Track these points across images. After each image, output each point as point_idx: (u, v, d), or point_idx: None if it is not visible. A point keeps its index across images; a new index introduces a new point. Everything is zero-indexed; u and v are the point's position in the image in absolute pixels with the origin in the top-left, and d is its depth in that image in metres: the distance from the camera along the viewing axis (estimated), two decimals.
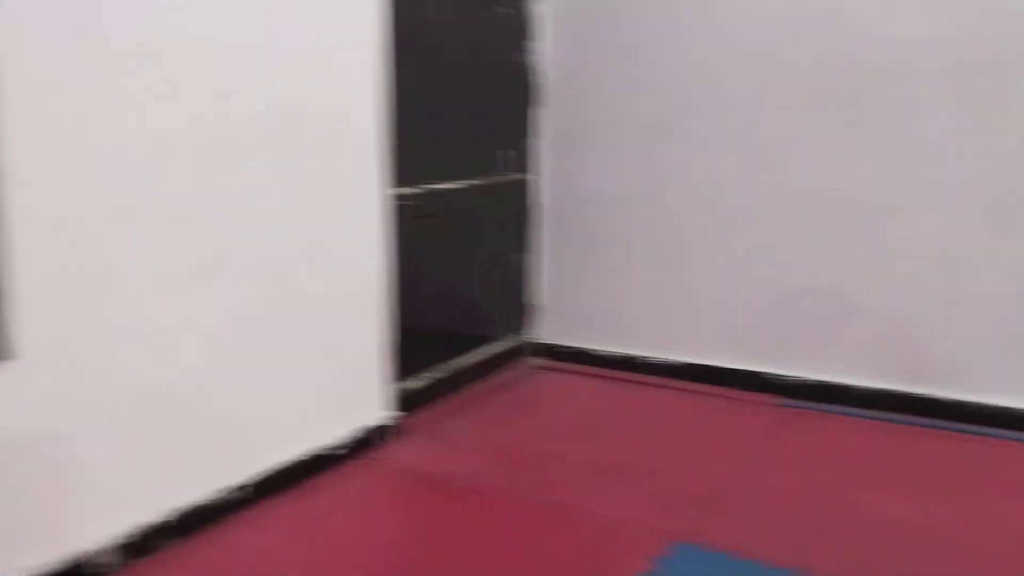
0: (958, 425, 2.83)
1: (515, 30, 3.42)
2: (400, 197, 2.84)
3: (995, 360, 2.78)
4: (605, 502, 2.34)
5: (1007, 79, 2.64)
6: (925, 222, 2.83)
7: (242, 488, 2.29)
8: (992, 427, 2.78)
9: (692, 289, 3.30)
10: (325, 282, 2.52)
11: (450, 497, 2.41)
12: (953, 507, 2.28)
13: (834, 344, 3.05)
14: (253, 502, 2.32)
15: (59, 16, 1.75)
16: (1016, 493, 2.37)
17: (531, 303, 3.66)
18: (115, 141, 1.89)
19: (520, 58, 3.45)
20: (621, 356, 3.49)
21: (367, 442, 2.71)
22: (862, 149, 2.90)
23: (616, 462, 2.61)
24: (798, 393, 3.12)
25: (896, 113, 2.82)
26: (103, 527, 1.97)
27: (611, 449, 2.72)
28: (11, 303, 1.72)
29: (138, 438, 2.02)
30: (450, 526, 2.23)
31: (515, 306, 3.62)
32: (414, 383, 3.02)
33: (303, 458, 2.48)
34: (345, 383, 2.64)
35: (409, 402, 2.96)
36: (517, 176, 3.53)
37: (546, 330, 3.68)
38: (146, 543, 2.05)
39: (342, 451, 2.61)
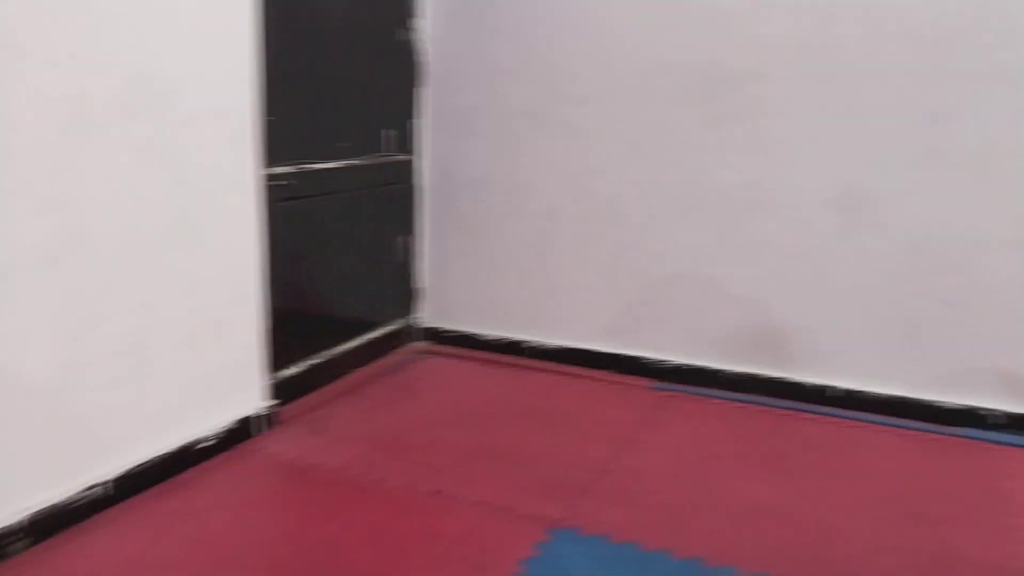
0: (817, 408, 3.01)
1: (398, 7, 3.34)
2: (276, 177, 2.73)
3: (848, 346, 2.97)
4: (486, 490, 2.35)
5: (858, 83, 2.80)
6: (789, 217, 2.98)
7: (103, 485, 2.16)
8: (845, 409, 2.98)
9: (571, 274, 3.35)
10: (195, 266, 2.39)
11: (329, 489, 2.35)
12: (811, 486, 2.43)
13: (705, 329, 3.18)
14: (117, 500, 2.19)
15: None
16: (865, 471, 2.55)
17: (415, 287, 3.62)
18: None
19: (403, 36, 3.37)
20: (504, 340, 3.51)
21: (242, 433, 2.61)
22: (729, 144, 3.01)
23: (497, 448, 2.63)
24: (672, 377, 3.23)
25: (760, 112, 2.95)
26: None
27: (493, 435, 2.74)
28: None
29: None
30: (329, 520, 2.18)
31: (398, 290, 3.57)
32: (292, 370, 2.93)
33: (172, 451, 2.36)
34: (219, 371, 2.53)
35: (287, 390, 2.87)
36: (401, 157, 3.47)
37: (429, 314, 3.66)
38: None
39: (215, 443, 2.50)
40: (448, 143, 3.49)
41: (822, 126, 2.87)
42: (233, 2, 2.43)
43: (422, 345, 3.64)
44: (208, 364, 2.48)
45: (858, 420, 2.92)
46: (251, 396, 2.67)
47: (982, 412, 2.82)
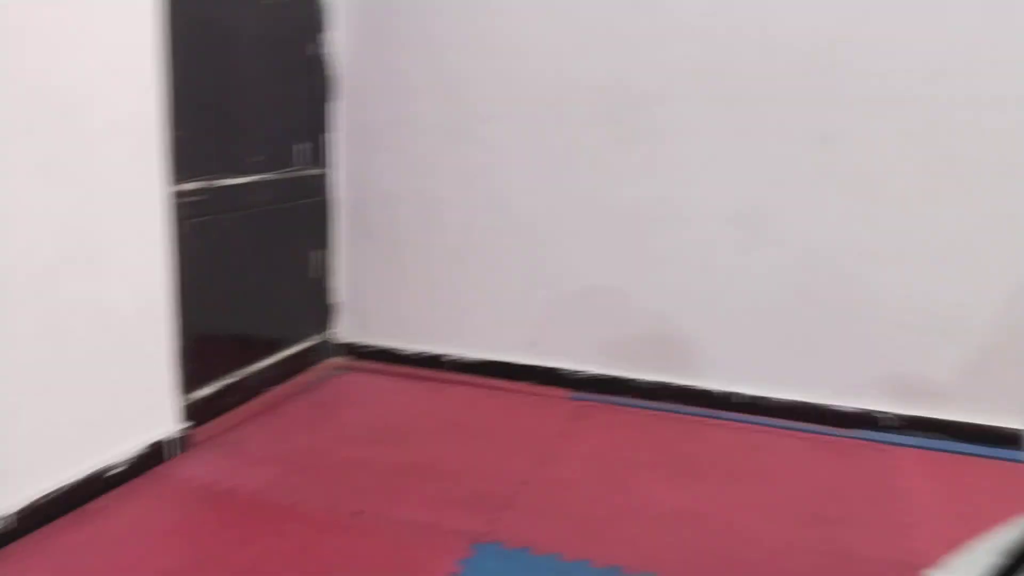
0: (724, 414, 3.15)
1: (308, 20, 3.31)
2: (185, 194, 2.66)
3: (750, 354, 3.12)
4: (409, 507, 2.36)
5: (755, 106, 2.95)
6: (692, 233, 3.10)
7: (4, 519, 2.06)
8: (750, 414, 3.12)
9: (488, 288, 3.40)
10: (100, 288, 2.31)
11: (247, 513, 2.31)
12: (721, 490, 2.55)
13: (617, 340, 3.27)
14: (21, 534, 2.10)
15: None
16: (771, 474, 2.68)
17: (331, 302, 3.59)
18: None
19: (314, 49, 3.35)
20: (423, 354, 3.52)
21: (155, 458, 2.54)
22: (635, 163, 3.12)
23: (419, 464, 2.64)
24: (588, 387, 3.32)
25: (664, 132, 3.07)
26: None
27: (414, 451, 2.75)
28: None
29: None
30: (247, 546, 2.15)
31: (314, 306, 3.53)
32: (206, 391, 2.86)
33: (80, 480, 2.28)
34: (128, 395, 2.45)
35: (201, 412, 2.81)
36: (314, 171, 3.43)
37: (347, 329, 3.63)
38: None
39: (126, 469, 2.42)
40: (363, 157, 3.48)
41: (722, 146, 3.01)
42: (138, 16, 2.37)
43: (340, 361, 3.61)
44: (116, 388, 2.40)
45: (762, 425, 3.07)
46: (163, 419, 2.59)
47: (875, 415, 3.01)
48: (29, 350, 2.10)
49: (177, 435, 2.63)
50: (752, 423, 3.08)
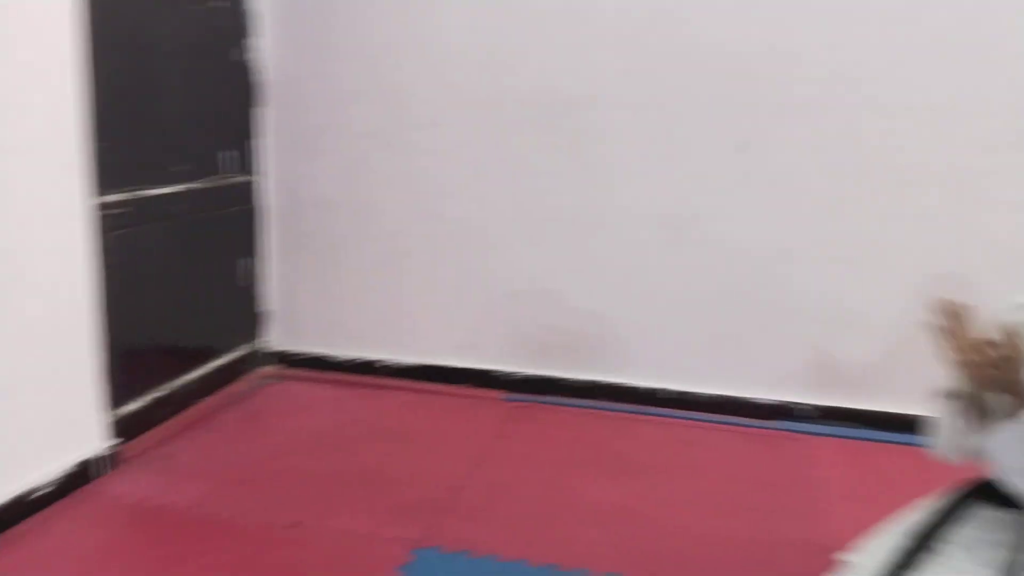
0: (652, 409, 3.25)
1: (232, 27, 3.27)
2: (109, 205, 2.61)
3: (677, 351, 3.23)
4: (347, 516, 2.37)
5: (679, 112, 3.06)
6: (621, 235, 3.19)
7: None
8: (678, 409, 3.23)
9: (422, 292, 3.42)
10: (19, 305, 2.25)
11: (181, 530, 2.28)
12: (651, 484, 2.64)
13: (549, 341, 3.34)
14: None
15: None
16: (698, 467, 2.79)
17: (261, 310, 3.55)
18: None
19: (239, 55, 3.30)
20: (357, 360, 3.52)
21: (83, 477, 2.48)
22: (566, 168, 3.19)
23: (356, 472, 2.65)
24: (522, 388, 3.37)
25: (593, 137, 3.15)
26: None
27: (350, 459, 2.75)
28: None
29: None
30: (183, 563, 2.12)
31: (243, 314, 3.49)
32: (134, 406, 2.80)
33: (4, 504, 2.21)
34: (52, 414, 2.39)
35: (130, 427, 2.75)
36: (241, 178, 3.39)
37: (279, 337, 3.60)
38: None
39: (53, 490, 2.36)
40: (294, 163, 3.45)
41: (649, 151, 3.11)
42: (56, 25, 2.31)
43: (272, 370, 3.57)
44: (39, 407, 2.34)
45: (689, 419, 3.18)
46: (90, 437, 2.54)
47: (794, 406, 3.16)
48: None
49: (105, 452, 2.58)
50: (679, 418, 3.19)
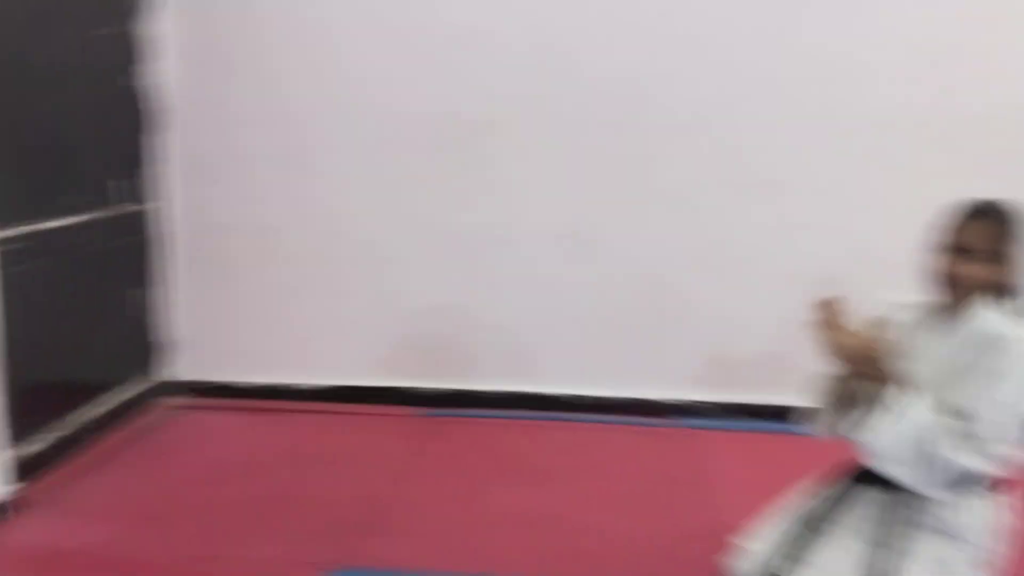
0: (564, 415, 3.37)
1: (124, 52, 3.20)
2: (4, 240, 2.52)
3: (585, 358, 3.37)
4: (266, 545, 2.36)
5: (576, 134, 3.21)
6: (526, 251, 3.31)
7: None
8: (587, 413, 3.36)
9: (333, 314, 3.43)
10: None
11: (92, 574, 2.22)
12: (564, 488, 2.74)
13: (463, 355, 3.42)
14: None
15: None
16: (606, 468, 2.92)
17: (163, 341, 3.48)
18: None
19: (129, 82, 3.24)
20: (268, 386, 3.49)
21: None
22: (470, 187, 3.29)
23: (272, 500, 2.64)
24: (439, 402, 3.43)
25: (495, 158, 3.26)
26: None
27: (266, 487, 2.74)
28: None
29: None
30: None
31: (144, 346, 3.41)
32: (36, 447, 2.71)
33: None
34: None
35: (30, 468, 2.65)
36: (134, 207, 3.31)
37: (186, 367, 3.53)
38: None
39: None
40: (196, 189, 3.40)
41: (548, 170, 3.25)
42: None
43: (178, 401, 3.50)
44: None
45: (597, 422, 3.31)
46: None
47: (692, 404, 3.34)
48: None
49: (8, 497, 2.49)
50: (588, 421, 3.32)
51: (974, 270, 1.81)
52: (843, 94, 3.09)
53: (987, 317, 1.81)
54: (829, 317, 1.78)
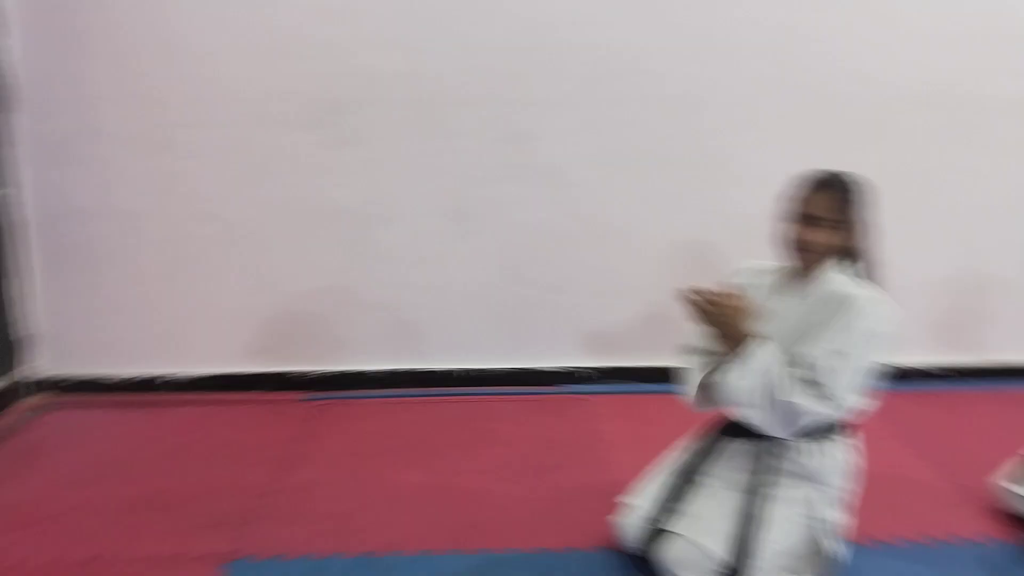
0: (451, 390, 3.40)
1: None
2: None
3: (469, 332, 3.41)
4: (148, 543, 2.28)
5: (452, 109, 3.20)
6: (406, 228, 3.30)
7: None
8: (475, 387, 3.41)
9: (204, 301, 3.31)
10: None
11: None
12: (456, 460, 2.78)
13: (346, 336, 3.38)
14: None
15: None
16: (497, 438, 2.98)
17: (22, 336, 3.25)
18: None
19: None
20: (138, 378, 3.34)
21: None
22: (345, 165, 3.23)
23: (151, 496, 2.54)
24: (321, 385, 3.39)
25: (369, 135, 3.21)
26: None
27: (141, 483, 2.62)
28: None
29: None
30: None
31: (1, 342, 3.18)
32: None
33: None
34: None
35: None
36: None
37: (48, 362, 3.32)
38: None
39: None
40: (49, 172, 3.16)
41: (426, 146, 3.22)
42: None
43: (39, 399, 3.29)
44: None
45: (485, 395, 3.37)
46: None
47: (576, 371, 3.45)
48: None
49: None
50: (476, 395, 3.37)
51: (822, 237, 1.98)
52: (705, 72, 3.22)
53: (835, 280, 1.98)
54: (699, 300, 1.91)
